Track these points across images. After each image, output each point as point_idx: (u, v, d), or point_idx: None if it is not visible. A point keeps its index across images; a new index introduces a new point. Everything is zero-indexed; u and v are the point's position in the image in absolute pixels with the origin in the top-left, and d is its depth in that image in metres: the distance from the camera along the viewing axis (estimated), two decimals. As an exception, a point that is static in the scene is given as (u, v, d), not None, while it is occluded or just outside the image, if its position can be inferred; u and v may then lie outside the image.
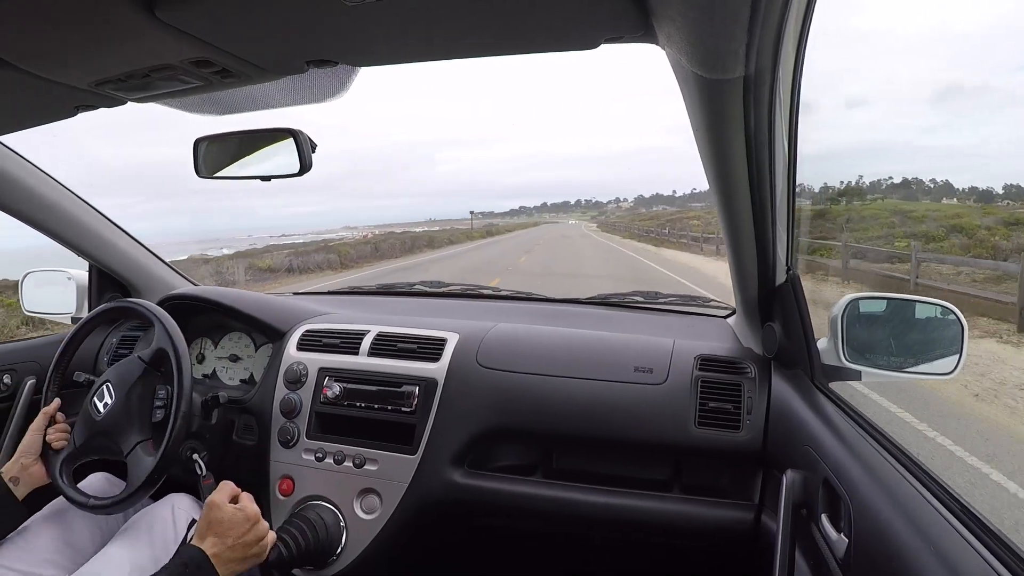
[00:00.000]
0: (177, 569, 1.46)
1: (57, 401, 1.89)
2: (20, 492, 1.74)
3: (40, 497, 1.79)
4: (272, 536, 1.68)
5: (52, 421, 1.87)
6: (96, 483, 1.93)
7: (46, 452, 1.83)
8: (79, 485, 1.85)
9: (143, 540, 1.68)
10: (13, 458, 1.77)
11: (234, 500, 1.64)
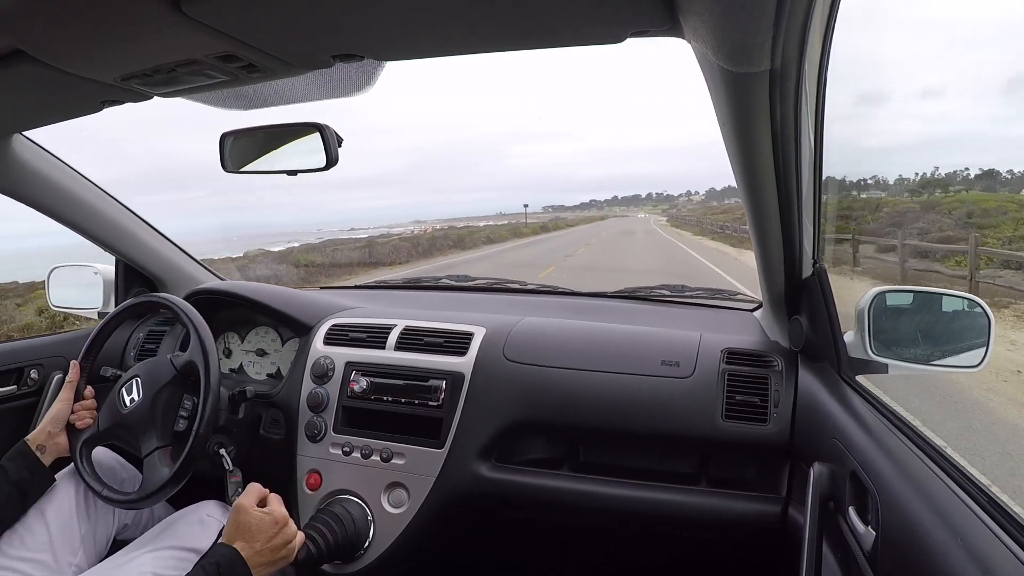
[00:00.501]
0: (210, 570, 1.47)
1: (76, 368, 1.91)
2: (46, 460, 1.78)
3: (63, 467, 1.84)
4: (301, 537, 1.69)
5: (79, 396, 1.90)
6: (107, 458, 1.97)
7: (70, 427, 1.86)
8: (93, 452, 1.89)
9: (168, 546, 1.68)
10: (40, 426, 1.81)
11: (262, 503, 1.65)
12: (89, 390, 1.94)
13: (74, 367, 1.90)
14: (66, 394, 1.87)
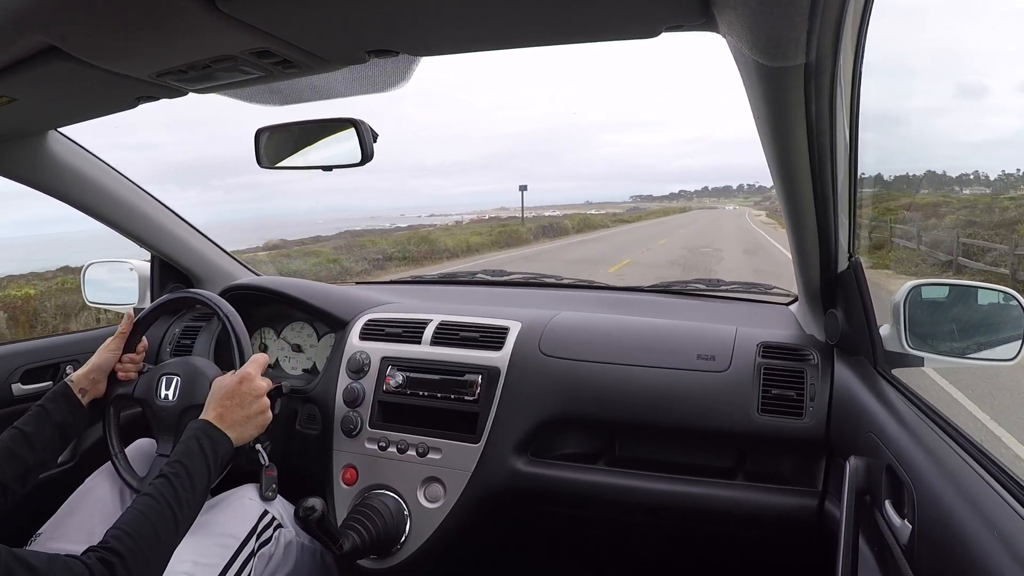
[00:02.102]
0: (190, 441, 1.52)
1: (129, 319, 1.94)
2: (84, 401, 1.81)
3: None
4: (265, 384, 1.73)
5: (131, 349, 1.95)
6: (141, 449, 2.00)
7: (112, 375, 1.90)
8: (128, 448, 1.94)
9: (207, 533, 1.67)
10: (84, 371, 1.84)
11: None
12: (143, 344, 1.99)
13: (128, 318, 1.94)
14: (115, 343, 1.90)
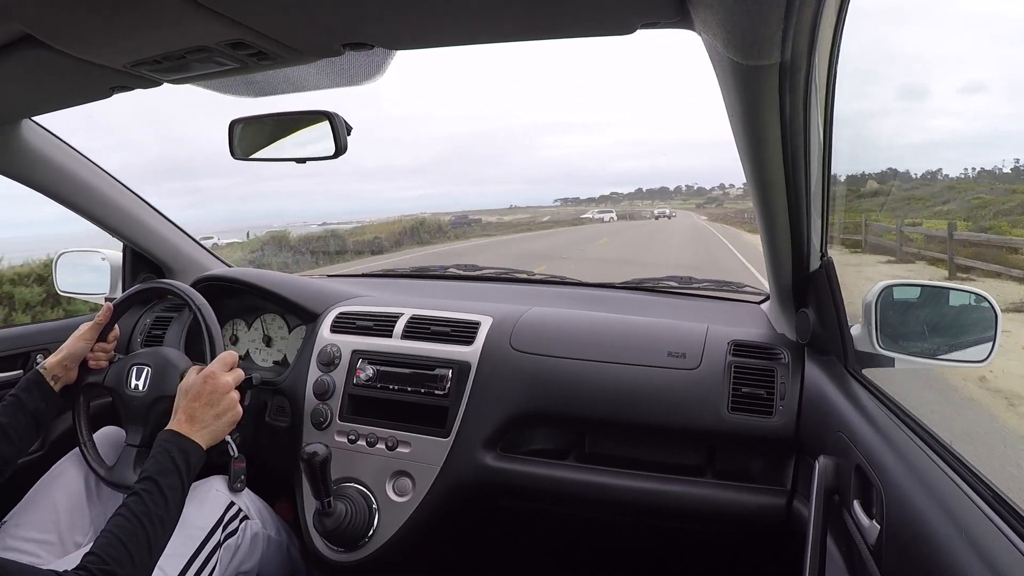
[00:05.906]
0: (161, 456, 1.50)
1: (108, 309, 1.94)
2: (56, 388, 1.81)
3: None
4: (236, 376, 1.73)
5: (103, 338, 1.95)
6: (109, 438, 1.99)
7: (83, 365, 1.90)
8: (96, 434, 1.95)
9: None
10: (58, 358, 1.84)
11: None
12: (115, 332, 2.00)
13: (107, 308, 1.94)
14: (90, 334, 1.90)
